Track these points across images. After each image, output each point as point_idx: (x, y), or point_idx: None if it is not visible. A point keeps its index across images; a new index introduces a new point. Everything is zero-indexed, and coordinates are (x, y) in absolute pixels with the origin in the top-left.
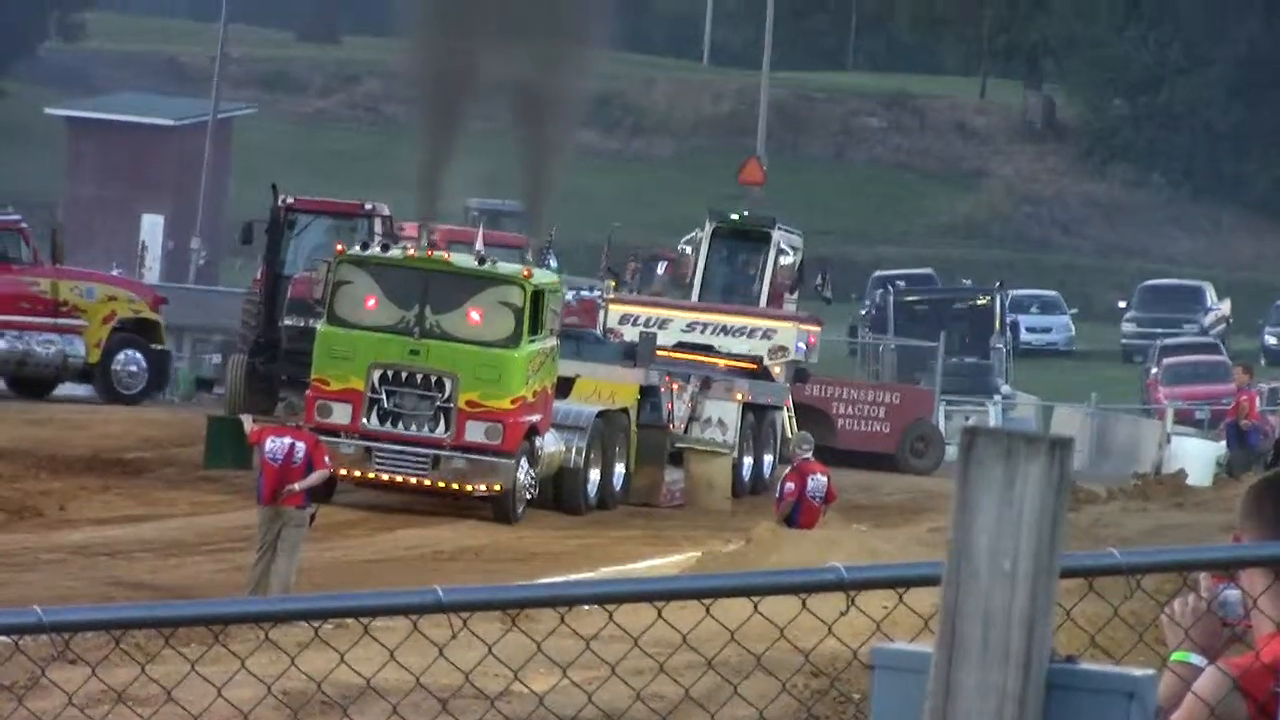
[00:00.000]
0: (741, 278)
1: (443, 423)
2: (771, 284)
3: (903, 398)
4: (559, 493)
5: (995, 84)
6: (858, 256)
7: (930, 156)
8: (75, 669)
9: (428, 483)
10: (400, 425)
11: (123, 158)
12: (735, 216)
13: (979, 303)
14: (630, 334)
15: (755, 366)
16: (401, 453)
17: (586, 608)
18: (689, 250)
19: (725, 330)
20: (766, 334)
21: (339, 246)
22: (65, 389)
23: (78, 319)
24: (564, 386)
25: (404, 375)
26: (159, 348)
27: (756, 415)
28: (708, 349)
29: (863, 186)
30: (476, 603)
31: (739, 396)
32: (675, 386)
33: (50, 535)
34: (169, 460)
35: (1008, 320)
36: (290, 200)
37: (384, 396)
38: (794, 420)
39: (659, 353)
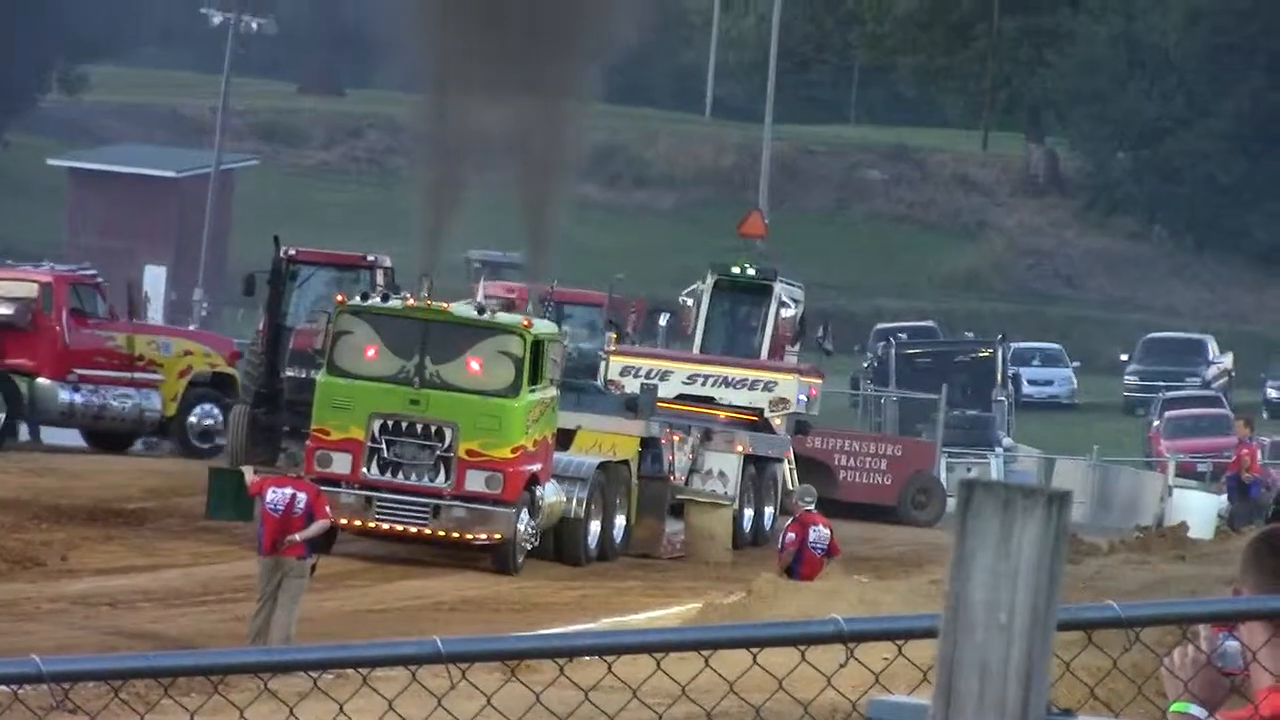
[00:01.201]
0: (743, 330)
1: (443, 472)
2: (773, 336)
3: (904, 450)
4: (559, 543)
5: (997, 136)
6: (859, 309)
7: (932, 209)
8: (75, 719)
9: (428, 532)
10: (400, 475)
11: (125, 209)
12: (736, 269)
13: (981, 355)
14: (631, 385)
15: (756, 418)
16: (402, 502)
17: (586, 658)
18: (690, 302)
19: (727, 382)
20: (768, 386)
21: (339, 297)
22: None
23: (154, 373)
24: (565, 438)
25: (404, 425)
26: (233, 402)
27: (758, 467)
28: (709, 401)
29: (864, 239)
30: (476, 653)
31: (740, 448)
32: (676, 438)
33: (52, 585)
34: (170, 510)
35: (1009, 373)
36: (292, 252)
37: (384, 446)
38: (795, 472)
39: (660, 404)
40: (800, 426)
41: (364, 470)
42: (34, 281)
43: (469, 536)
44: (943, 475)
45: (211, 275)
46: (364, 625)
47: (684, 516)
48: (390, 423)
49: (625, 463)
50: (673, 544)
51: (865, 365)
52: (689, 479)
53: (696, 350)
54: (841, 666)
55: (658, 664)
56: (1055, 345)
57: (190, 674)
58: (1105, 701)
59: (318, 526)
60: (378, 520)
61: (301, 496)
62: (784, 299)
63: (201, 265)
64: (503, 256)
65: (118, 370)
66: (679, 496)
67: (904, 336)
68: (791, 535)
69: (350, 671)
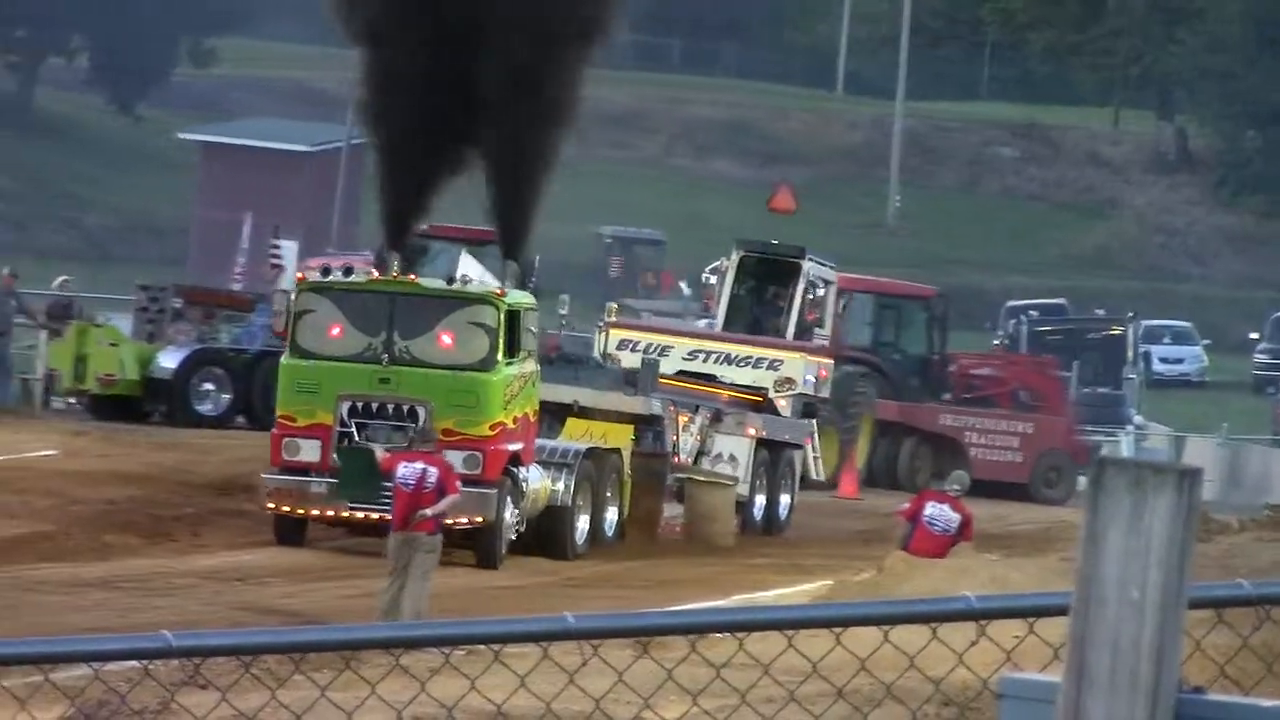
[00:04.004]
0: (769, 310)
1: None
2: (799, 318)
3: (1036, 427)
4: (545, 534)
5: (1128, 114)
6: (990, 286)
7: (1063, 186)
8: (205, 694)
9: None
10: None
11: (256, 182)
12: (763, 245)
13: (1112, 333)
14: (628, 359)
15: (761, 399)
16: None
17: (717, 635)
18: (714, 280)
19: (730, 359)
20: (773, 364)
21: (299, 275)
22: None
23: None
24: (561, 413)
25: (374, 406)
26: None
27: (772, 452)
28: (710, 378)
29: (995, 216)
30: (607, 630)
31: (751, 432)
32: (684, 418)
33: (182, 560)
34: None
35: (1140, 351)
36: (424, 227)
37: (354, 429)
38: (819, 460)
39: (660, 381)
40: (808, 409)
41: (334, 457)
42: None
43: (449, 522)
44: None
45: (343, 249)
46: (496, 601)
47: (684, 497)
48: (359, 404)
49: (617, 450)
50: (671, 527)
51: (996, 343)
52: (696, 461)
53: (719, 330)
54: (973, 644)
55: (789, 641)
56: (1185, 323)
57: (321, 649)
58: (1235, 680)
59: (449, 501)
60: (351, 509)
61: (432, 471)
62: (812, 278)
63: (333, 239)
64: (637, 232)
65: None
66: (678, 476)
67: (1035, 314)
68: (906, 505)
69: (482, 647)
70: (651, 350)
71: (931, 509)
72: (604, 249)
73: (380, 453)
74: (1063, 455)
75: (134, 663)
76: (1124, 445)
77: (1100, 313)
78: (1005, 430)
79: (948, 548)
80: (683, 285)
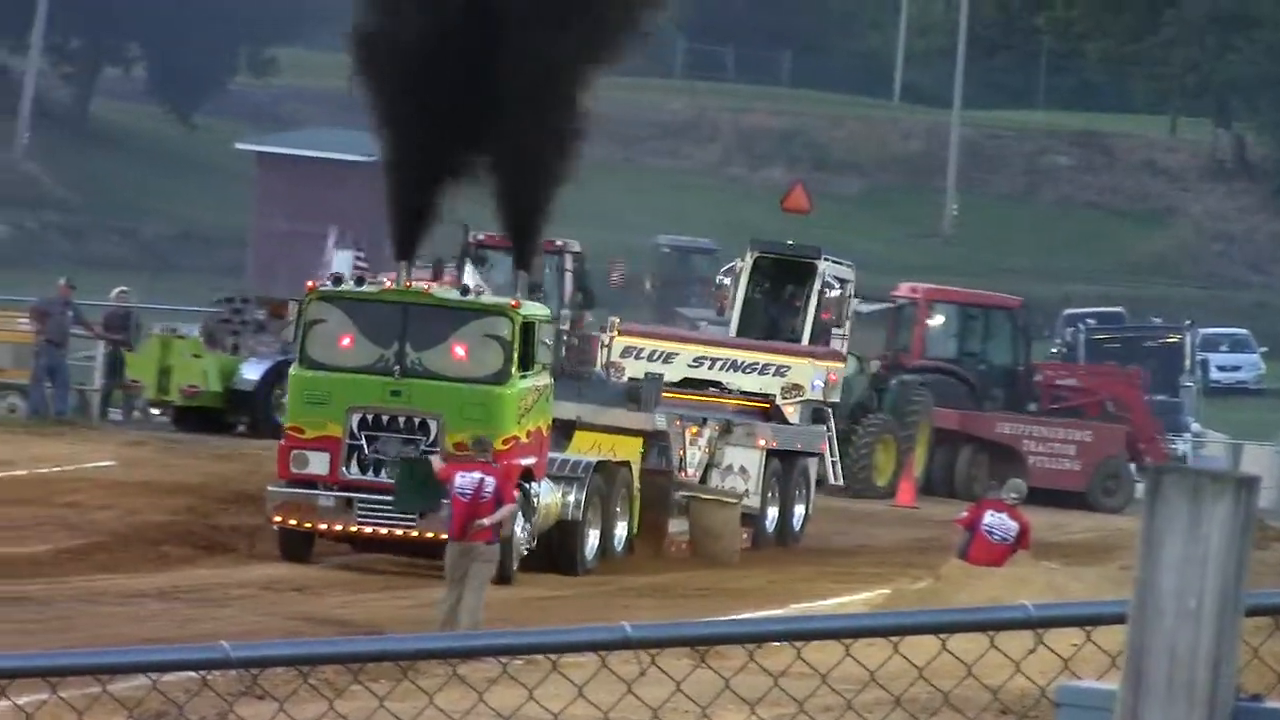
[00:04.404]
0: (785, 312)
1: None
2: (815, 320)
3: (1095, 435)
4: (555, 549)
5: (1185, 122)
6: (1046, 294)
7: (1120, 194)
8: (263, 705)
9: (415, 535)
10: (383, 473)
11: (313, 192)
12: (778, 245)
13: (1169, 340)
14: (633, 368)
15: (768, 406)
16: (386, 503)
17: (775, 644)
18: (727, 282)
19: (735, 365)
20: (780, 371)
21: (309, 283)
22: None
23: None
24: (565, 430)
25: (385, 419)
26: None
27: (784, 462)
28: (716, 386)
29: (1052, 224)
30: (665, 639)
31: (762, 443)
32: (691, 431)
33: (240, 570)
34: None
35: (1197, 358)
36: (480, 236)
37: (364, 443)
38: (838, 464)
39: (665, 394)
40: (817, 415)
41: (343, 470)
42: None
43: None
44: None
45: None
46: (552, 611)
47: (688, 514)
48: (370, 417)
49: (626, 463)
50: (677, 544)
51: (1054, 350)
52: (706, 475)
53: (733, 333)
54: (1030, 652)
55: (846, 650)
56: (1243, 330)
57: (379, 659)
58: None
59: (506, 510)
60: (360, 524)
61: (490, 481)
62: (828, 279)
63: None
64: (693, 242)
65: None
66: (682, 494)
67: (1092, 322)
68: (964, 514)
69: (539, 657)
70: (656, 358)
71: (990, 518)
72: (660, 258)
73: (438, 463)
74: (1121, 463)
75: (192, 673)
76: (1182, 452)
77: (1157, 321)
78: (1063, 439)
79: (1006, 556)
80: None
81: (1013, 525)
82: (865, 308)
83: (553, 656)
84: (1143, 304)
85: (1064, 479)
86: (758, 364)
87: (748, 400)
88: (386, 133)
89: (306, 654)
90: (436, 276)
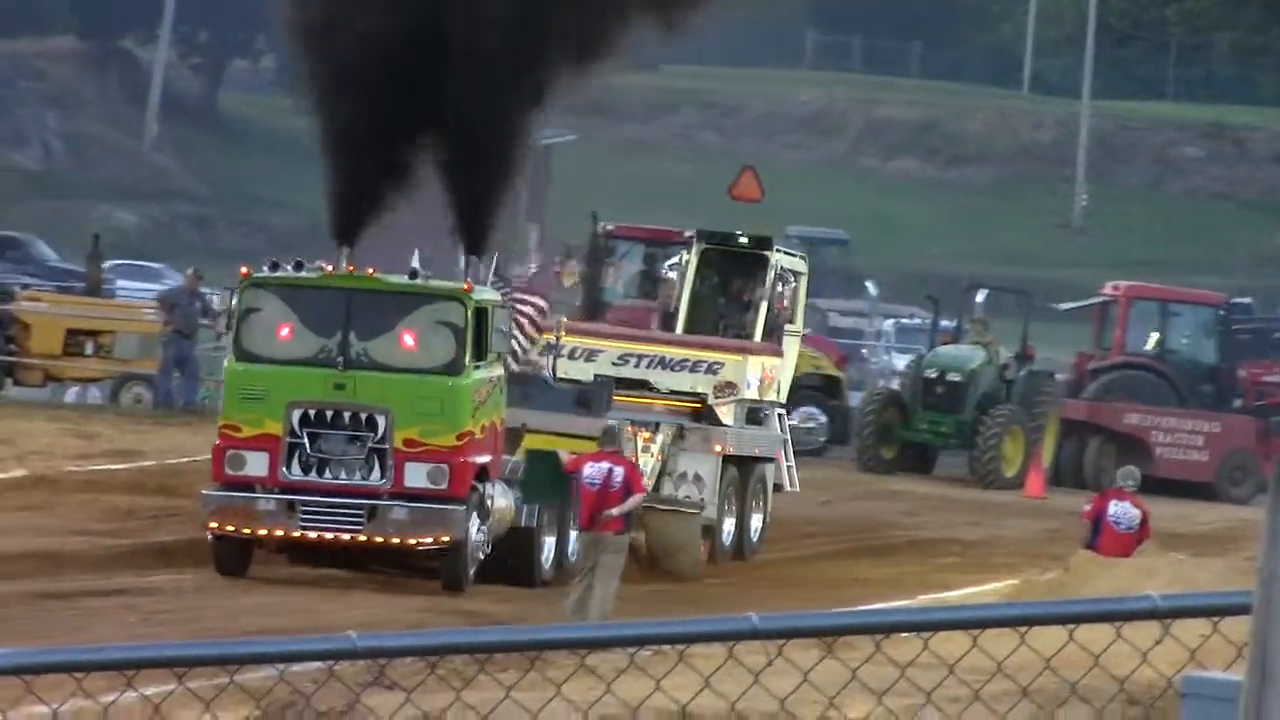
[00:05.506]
0: (734, 307)
1: (377, 467)
2: (768, 314)
3: (1223, 426)
4: (508, 558)
5: None
6: (1176, 285)
7: (1250, 186)
8: (391, 695)
9: (363, 539)
10: (327, 473)
11: None
12: (725, 235)
13: None
14: (565, 369)
15: (699, 406)
16: (331, 505)
17: (902, 635)
18: (673, 276)
19: (663, 363)
20: (711, 368)
21: (243, 269)
22: None
23: None
24: (512, 437)
25: (328, 414)
26: (838, 404)
27: (741, 469)
28: (643, 385)
29: (1181, 216)
30: (792, 629)
31: (718, 449)
32: (644, 437)
33: (367, 560)
34: None
35: None
36: (610, 227)
37: (306, 441)
38: (794, 469)
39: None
40: (751, 415)
41: (283, 470)
42: None
43: (412, 541)
44: None
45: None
46: (680, 601)
47: (644, 526)
48: (312, 412)
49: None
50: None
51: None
52: (659, 484)
53: (680, 331)
54: (1157, 643)
55: (974, 641)
56: None
57: (506, 650)
58: None
59: (635, 500)
60: (303, 528)
61: (618, 471)
62: (781, 270)
63: (532, 242)
64: (823, 233)
65: None
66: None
67: (1222, 313)
68: (1087, 507)
69: (667, 648)
70: (577, 355)
71: (1115, 508)
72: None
73: (565, 454)
74: (1249, 454)
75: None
76: None
77: None
78: (1190, 429)
79: (1134, 546)
80: (869, 285)
81: (1135, 513)
82: (1067, 305)
83: (680, 647)
84: (1273, 295)
85: (1191, 470)
86: (688, 361)
87: (678, 400)
88: (321, 112)
89: (433, 644)
90: (563, 266)
